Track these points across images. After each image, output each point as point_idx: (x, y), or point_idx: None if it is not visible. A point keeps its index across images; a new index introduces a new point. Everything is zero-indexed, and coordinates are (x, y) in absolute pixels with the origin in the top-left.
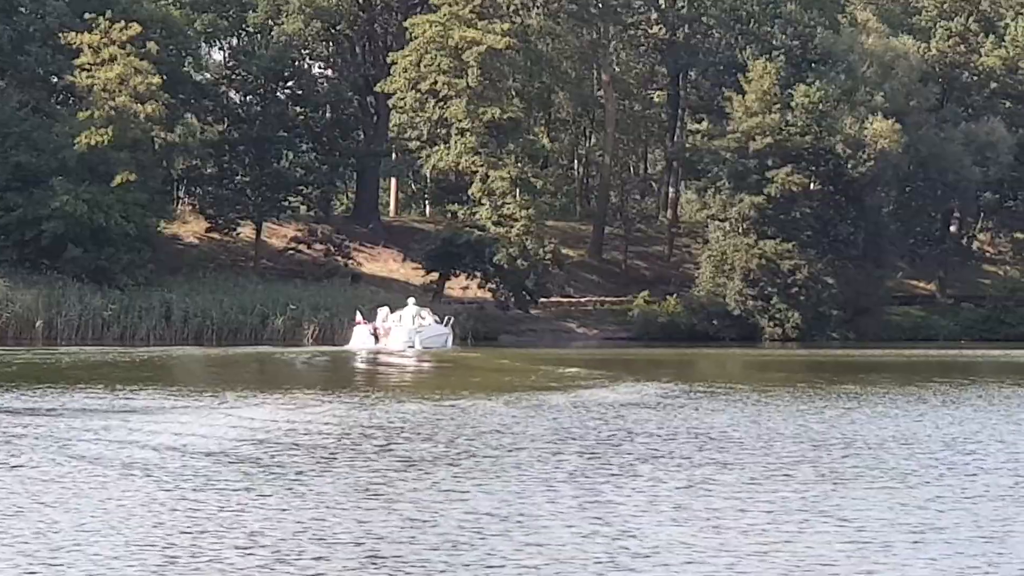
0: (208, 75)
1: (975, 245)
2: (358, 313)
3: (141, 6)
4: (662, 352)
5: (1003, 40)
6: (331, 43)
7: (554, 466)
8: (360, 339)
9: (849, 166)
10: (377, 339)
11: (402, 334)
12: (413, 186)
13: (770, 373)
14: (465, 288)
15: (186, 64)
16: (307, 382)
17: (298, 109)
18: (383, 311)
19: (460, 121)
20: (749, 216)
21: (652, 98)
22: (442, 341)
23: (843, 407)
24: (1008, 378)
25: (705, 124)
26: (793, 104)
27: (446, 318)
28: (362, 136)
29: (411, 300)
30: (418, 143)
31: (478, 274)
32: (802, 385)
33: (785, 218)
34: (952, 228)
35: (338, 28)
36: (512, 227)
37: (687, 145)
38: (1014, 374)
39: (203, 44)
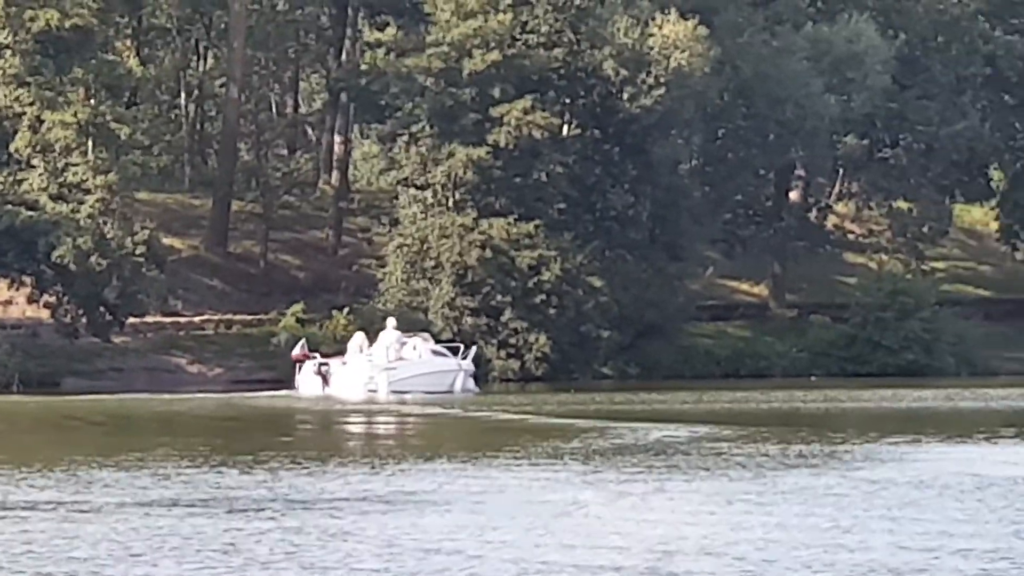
0: None
1: (830, 221)
2: (300, 343)
3: None
4: None
5: None
6: None
7: None
8: (305, 381)
9: (625, 97)
10: (326, 381)
11: (358, 374)
12: None
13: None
14: (8, 303)
15: None
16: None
17: None
18: (356, 338)
19: None
20: (465, 180)
21: None
22: (446, 383)
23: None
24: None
25: (392, 32)
26: None
27: (463, 349)
28: None
29: (390, 322)
30: None
31: (27, 280)
32: None
33: (523, 183)
34: (793, 195)
35: None
36: (82, 203)
37: (362, 66)
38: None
39: None
